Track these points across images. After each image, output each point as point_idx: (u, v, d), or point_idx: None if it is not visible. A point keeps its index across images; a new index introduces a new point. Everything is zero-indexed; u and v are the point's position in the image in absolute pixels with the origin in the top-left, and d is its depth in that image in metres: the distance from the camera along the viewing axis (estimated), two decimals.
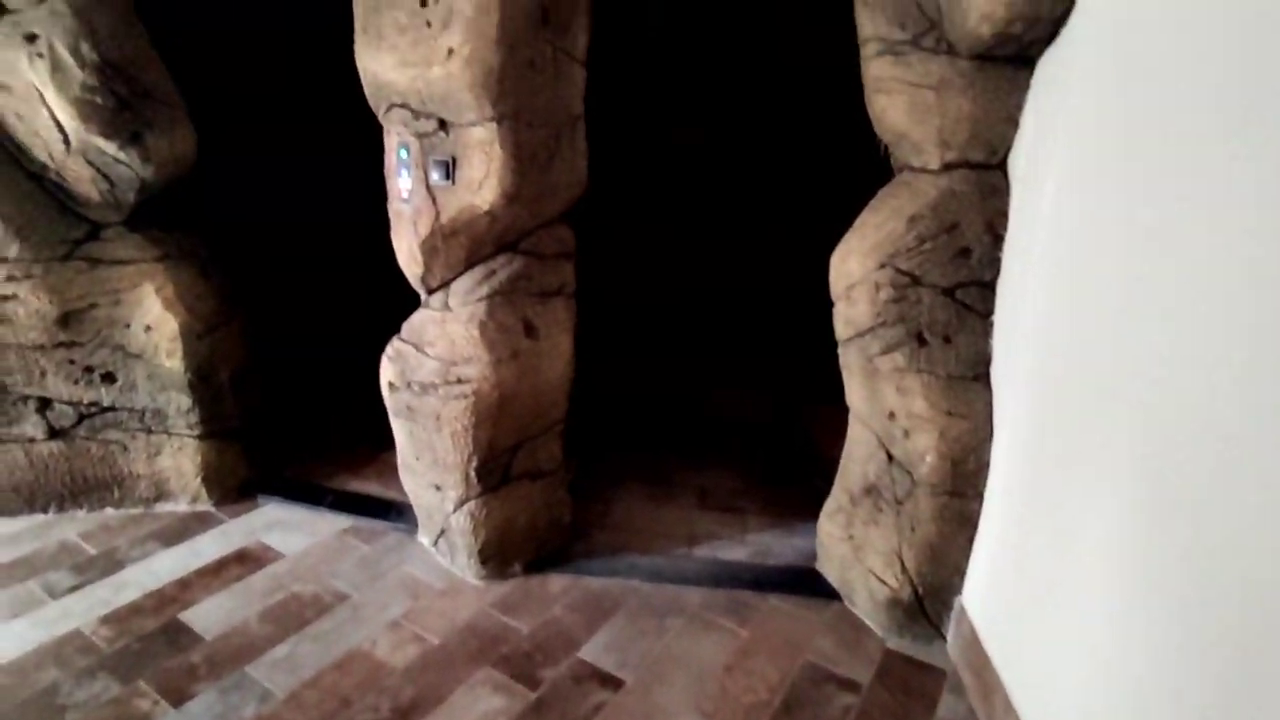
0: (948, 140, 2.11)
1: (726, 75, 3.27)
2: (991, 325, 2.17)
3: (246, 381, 3.12)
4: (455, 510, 2.54)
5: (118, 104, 2.52)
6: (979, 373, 2.19)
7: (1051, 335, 1.83)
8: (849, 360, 2.39)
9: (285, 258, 3.57)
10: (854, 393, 2.44)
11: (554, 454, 2.66)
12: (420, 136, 2.22)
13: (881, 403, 2.31)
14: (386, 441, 2.69)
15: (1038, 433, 1.90)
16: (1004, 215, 2.10)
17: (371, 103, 2.33)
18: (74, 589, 2.52)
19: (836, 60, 3.05)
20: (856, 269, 2.24)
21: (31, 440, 2.85)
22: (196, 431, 2.94)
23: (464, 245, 2.31)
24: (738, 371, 3.76)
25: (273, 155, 3.45)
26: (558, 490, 2.73)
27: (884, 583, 2.36)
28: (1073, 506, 1.70)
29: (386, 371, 2.51)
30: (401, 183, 2.30)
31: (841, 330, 2.38)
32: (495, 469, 2.50)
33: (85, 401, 2.85)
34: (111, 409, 2.89)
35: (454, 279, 2.39)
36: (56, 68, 2.43)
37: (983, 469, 2.17)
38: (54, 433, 2.86)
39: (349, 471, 3.30)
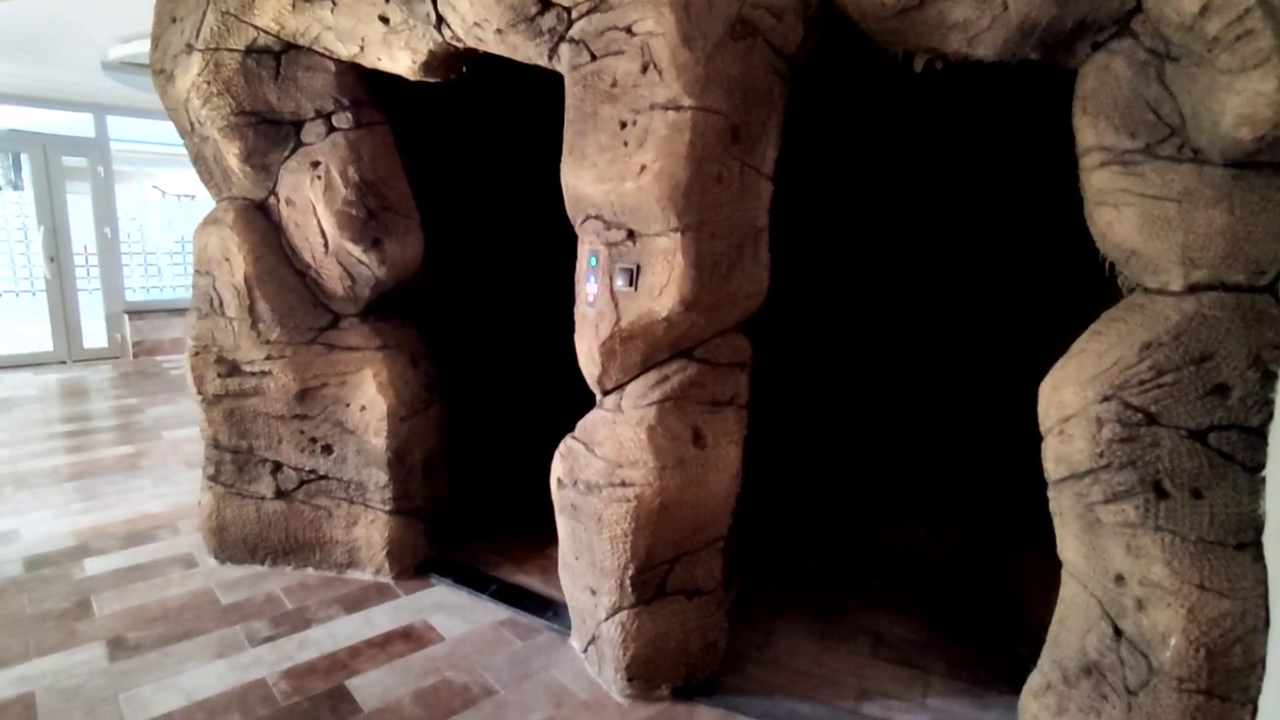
0: (1194, 258, 1.81)
1: (922, 186, 3.14)
2: (1262, 482, 1.74)
3: (435, 465, 3.36)
4: (607, 618, 2.46)
5: (367, 215, 2.96)
6: (1244, 541, 1.75)
7: None
8: (1061, 505, 2.05)
9: (483, 352, 3.90)
10: (1068, 545, 2.06)
11: (713, 572, 2.52)
12: (609, 245, 2.34)
13: (1105, 562, 1.93)
14: (553, 538, 2.71)
15: None
16: (1277, 348, 1.73)
17: (570, 214, 2.51)
18: (268, 639, 2.75)
19: (1044, 170, 2.82)
20: (1073, 400, 1.95)
21: (263, 498, 3.25)
22: (388, 507, 3.18)
23: (640, 349, 2.35)
24: (926, 502, 3.39)
25: (482, 261, 3.85)
26: (714, 612, 2.55)
27: None
28: None
29: (556, 467, 2.56)
30: (589, 288, 2.42)
31: (1052, 469, 2.05)
32: (651, 580, 2.41)
33: (307, 468, 3.22)
34: (325, 478, 3.23)
35: (628, 382, 2.43)
36: (328, 186, 2.92)
37: (1254, 667, 1.69)
38: (279, 493, 3.24)
39: (514, 563, 3.37)
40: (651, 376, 2.39)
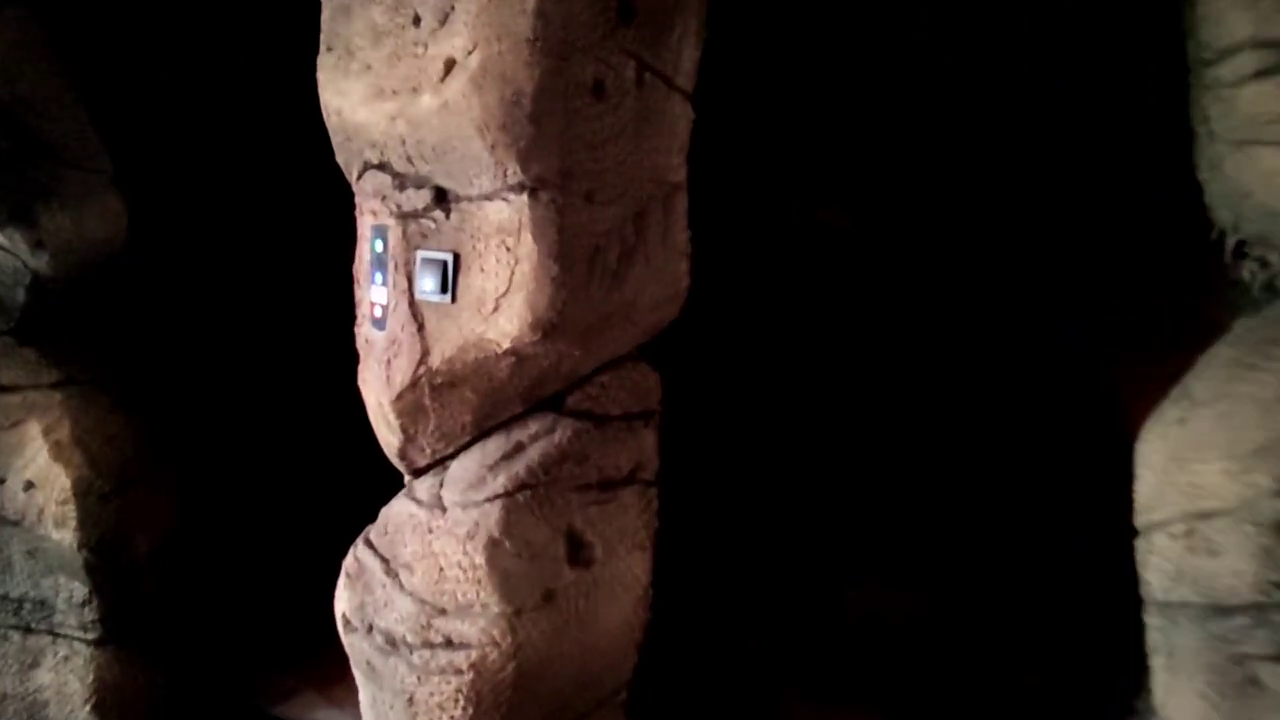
0: None
1: (892, 127, 2.20)
2: None
3: (175, 559, 2.19)
4: None
5: None
6: None
7: None
8: (1174, 642, 1.27)
9: (248, 382, 2.61)
10: (1183, 703, 1.28)
11: None
12: (404, 217, 1.30)
13: None
14: None
15: None
16: None
17: (341, 162, 1.44)
18: None
19: (1068, 107, 2.00)
20: (1223, 486, 1.14)
21: None
22: (93, 634, 2.02)
23: (469, 403, 1.34)
24: (893, 558, 2.57)
25: (254, 237, 2.57)
26: None
27: None
28: None
29: (341, 597, 1.51)
30: (373, 293, 1.37)
31: (1161, 586, 1.26)
32: None
33: None
34: None
35: (452, 455, 1.41)
36: None
37: None
38: None
39: (318, 686, 2.27)
40: (493, 447, 1.38)
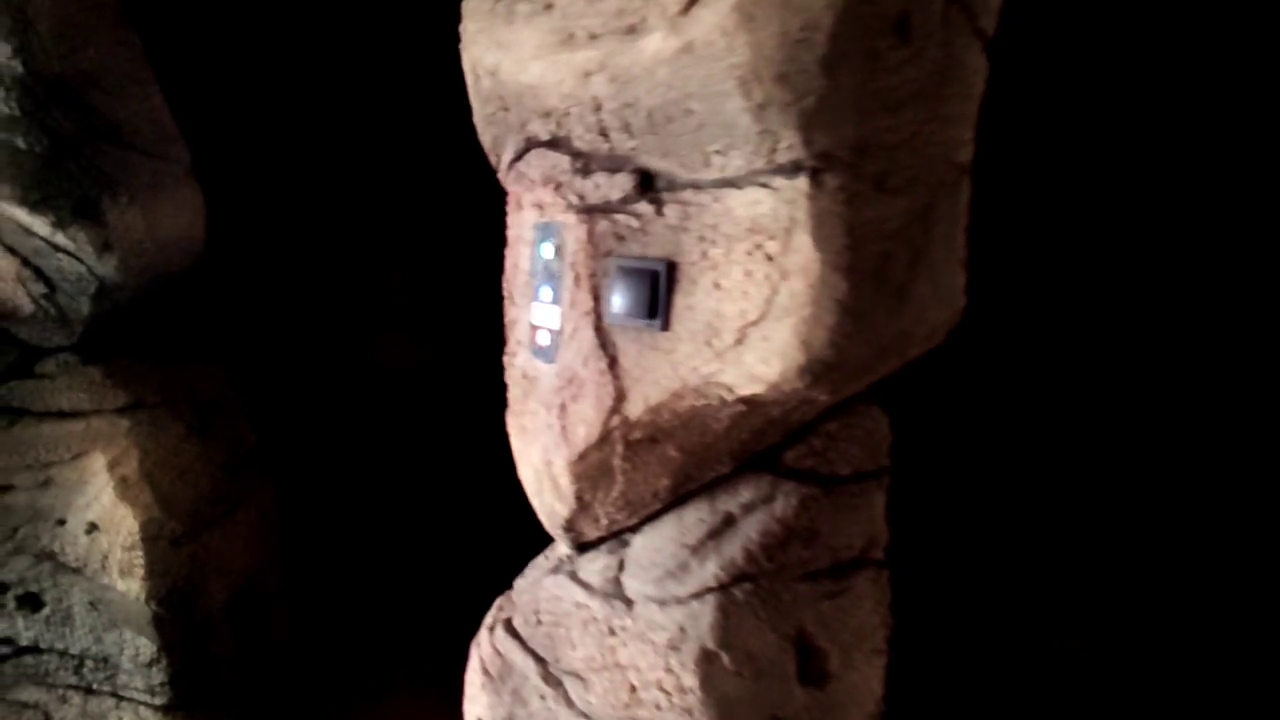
0: None
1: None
2: None
3: (260, 605, 1.90)
4: None
5: (52, 148, 1.43)
6: None
7: None
8: None
9: (343, 408, 2.29)
10: None
11: None
12: (590, 211, 0.96)
13: None
14: None
15: None
16: None
17: (487, 140, 1.11)
18: None
19: None
20: None
21: None
22: (161, 698, 1.75)
23: (670, 464, 0.99)
24: (1093, 603, 2.16)
25: (347, 247, 2.27)
26: None
27: None
28: None
29: (476, 699, 1.19)
30: (537, 313, 1.03)
31: None
32: None
33: None
34: (33, 649, 1.76)
35: (636, 527, 1.06)
36: None
37: None
38: None
39: None
40: (693, 519, 1.03)
